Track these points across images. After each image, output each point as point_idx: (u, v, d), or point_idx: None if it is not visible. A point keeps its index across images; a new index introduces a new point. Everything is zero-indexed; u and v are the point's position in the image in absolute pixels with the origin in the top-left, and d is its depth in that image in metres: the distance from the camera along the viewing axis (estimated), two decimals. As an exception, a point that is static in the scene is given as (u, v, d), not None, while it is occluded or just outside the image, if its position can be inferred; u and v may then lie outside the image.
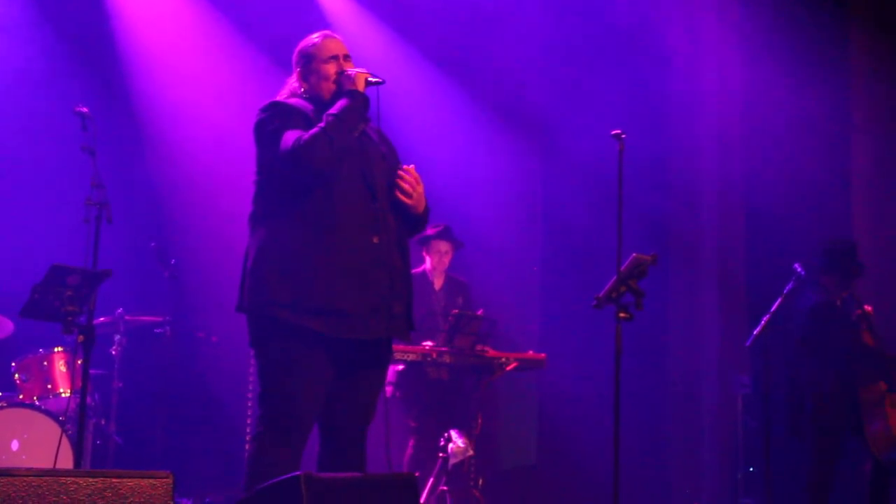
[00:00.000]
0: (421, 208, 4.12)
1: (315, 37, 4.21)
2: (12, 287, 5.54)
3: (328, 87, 4.11)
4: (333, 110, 3.95)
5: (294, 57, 4.22)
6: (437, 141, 8.11)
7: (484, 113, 8.57)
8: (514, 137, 8.66)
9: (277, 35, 7.78)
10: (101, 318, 6.38)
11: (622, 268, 4.77)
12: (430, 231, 6.78)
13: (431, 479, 6.20)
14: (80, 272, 4.63)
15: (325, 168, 3.87)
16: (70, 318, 4.62)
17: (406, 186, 4.05)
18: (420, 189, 4.10)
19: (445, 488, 6.17)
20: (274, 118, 3.98)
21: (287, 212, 3.93)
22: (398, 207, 4.07)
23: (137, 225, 7.27)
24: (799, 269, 6.48)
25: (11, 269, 6.40)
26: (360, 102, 4.01)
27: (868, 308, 6.56)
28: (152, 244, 6.96)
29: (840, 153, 8.54)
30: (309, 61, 4.16)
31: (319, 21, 7.97)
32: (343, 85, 4.05)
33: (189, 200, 7.87)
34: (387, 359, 4.15)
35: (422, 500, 5.78)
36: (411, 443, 6.56)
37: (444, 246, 6.83)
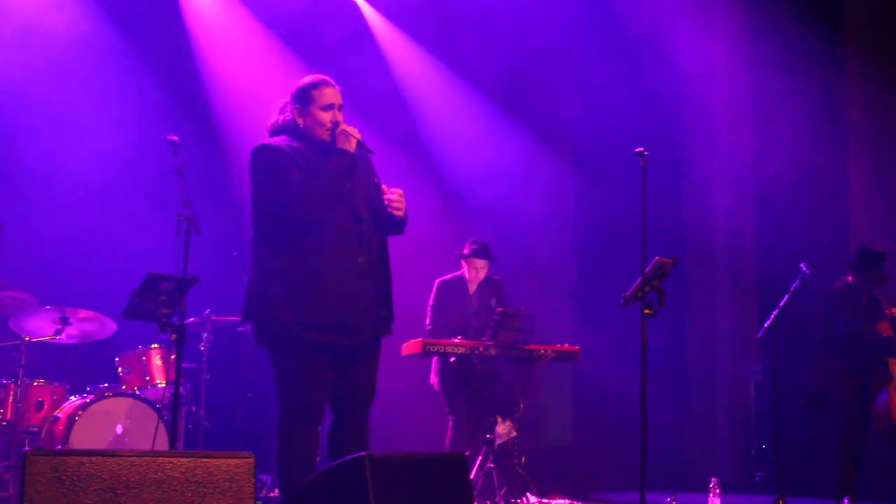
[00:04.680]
0: (403, 213, 4.19)
1: (316, 81, 4.19)
2: (115, 293, 5.60)
3: (321, 133, 4.13)
4: (326, 171, 3.98)
5: (293, 92, 4.20)
6: (476, 155, 8.11)
7: (519, 128, 8.54)
8: (547, 152, 8.64)
9: (338, 57, 7.76)
10: (192, 319, 6.45)
11: (646, 270, 4.75)
12: (468, 248, 6.81)
13: (479, 458, 6.19)
14: (172, 279, 4.65)
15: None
16: (164, 319, 4.64)
17: (396, 204, 4.13)
18: (404, 202, 4.18)
19: (493, 465, 6.16)
20: (262, 172, 4.04)
21: (283, 241, 4.04)
22: (378, 222, 4.15)
23: (222, 236, 7.31)
24: (804, 269, 6.37)
25: (114, 277, 6.47)
26: (347, 164, 4.03)
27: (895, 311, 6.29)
28: (235, 253, 7.01)
29: (839, 159, 8.40)
30: (307, 103, 4.16)
31: (377, 52, 7.95)
32: (336, 140, 4.06)
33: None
34: (377, 350, 4.25)
35: (471, 476, 5.78)
36: (450, 425, 6.59)
37: (480, 263, 6.84)
